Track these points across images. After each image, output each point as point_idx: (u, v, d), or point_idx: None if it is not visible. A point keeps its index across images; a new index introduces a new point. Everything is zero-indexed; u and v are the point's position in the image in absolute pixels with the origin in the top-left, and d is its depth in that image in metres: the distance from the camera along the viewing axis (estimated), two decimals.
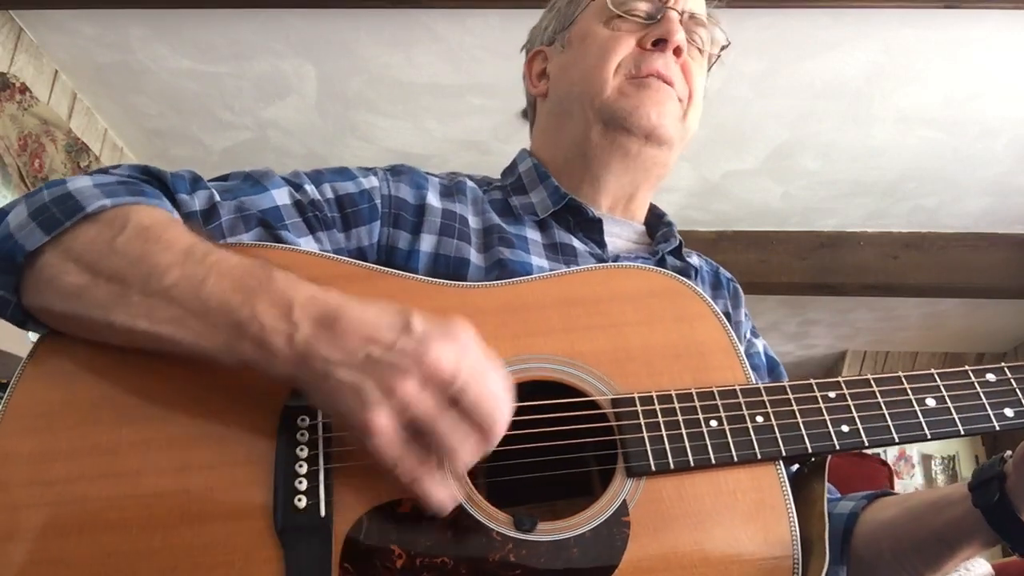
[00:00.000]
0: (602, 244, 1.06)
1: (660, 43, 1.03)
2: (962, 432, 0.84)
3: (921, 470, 6.45)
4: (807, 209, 4.32)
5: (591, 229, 1.06)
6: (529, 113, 1.24)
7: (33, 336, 0.83)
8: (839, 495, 1.05)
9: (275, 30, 3.14)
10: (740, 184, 4.06)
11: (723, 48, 1.13)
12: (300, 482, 0.74)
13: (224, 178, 0.96)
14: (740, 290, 1.21)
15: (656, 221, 1.17)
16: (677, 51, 1.04)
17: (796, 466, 0.93)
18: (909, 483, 6.37)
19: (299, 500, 0.73)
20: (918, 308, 5.46)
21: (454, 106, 3.57)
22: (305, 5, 2.99)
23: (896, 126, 3.57)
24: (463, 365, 0.68)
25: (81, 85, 3.49)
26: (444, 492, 0.71)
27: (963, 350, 6.29)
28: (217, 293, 0.72)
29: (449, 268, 0.95)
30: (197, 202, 0.87)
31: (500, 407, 0.70)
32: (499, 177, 1.16)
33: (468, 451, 0.69)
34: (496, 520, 0.76)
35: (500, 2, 2.93)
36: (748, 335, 1.16)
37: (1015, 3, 2.82)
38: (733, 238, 4.47)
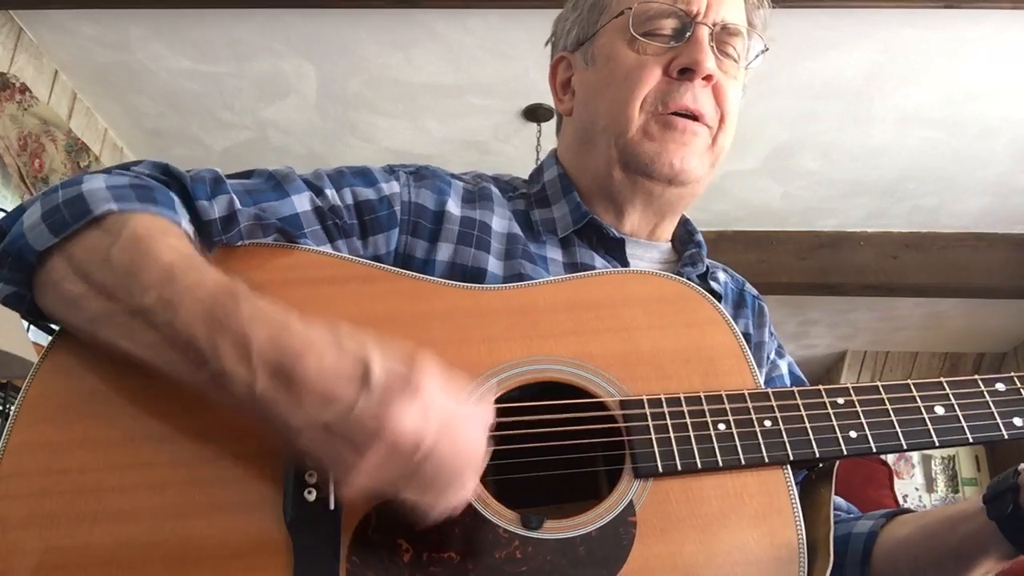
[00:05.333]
0: (625, 264, 1.03)
1: (687, 72, 0.95)
2: (971, 440, 0.84)
3: (921, 470, 6.46)
4: (807, 209, 4.33)
5: (613, 248, 1.03)
6: (556, 116, 1.16)
7: (34, 335, 0.83)
8: (859, 513, 1.05)
9: (275, 30, 3.14)
10: (740, 184, 4.06)
11: (759, 54, 1.03)
12: (311, 475, 0.74)
13: (247, 175, 0.94)
14: (765, 308, 1.15)
15: (687, 237, 1.10)
16: (707, 77, 0.96)
17: (803, 471, 0.93)
18: (909, 483, 6.38)
19: (309, 493, 0.74)
20: (918, 308, 5.47)
21: (454, 106, 3.57)
22: (305, 5, 2.99)
23: (896, 126, 3.57)
24: (428, 425, 0.66)
25: (81, 85, 3.49)
26: (445, 509, 0.71)
27: (963, 350, 6.29)
28: (187, 324, 0.71)
29: (466, 277, 0.93)
30: (216, 209, 0.86)
31: (470, 460, 0.69)
32: (525, 180, 1.12)
33: (440, 508, 0.70)
34: (503, 518, 0.76)
35: (500, 2, 2.93)
36: (772, 355, 1.12)
37: (1015, 3, 2.82)
38: (733, 238, 4.47)
